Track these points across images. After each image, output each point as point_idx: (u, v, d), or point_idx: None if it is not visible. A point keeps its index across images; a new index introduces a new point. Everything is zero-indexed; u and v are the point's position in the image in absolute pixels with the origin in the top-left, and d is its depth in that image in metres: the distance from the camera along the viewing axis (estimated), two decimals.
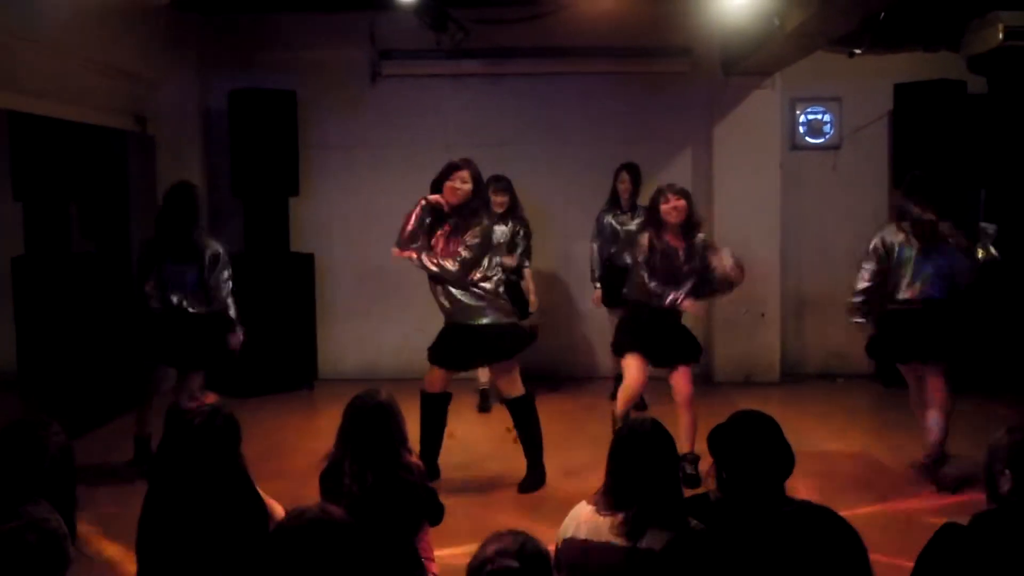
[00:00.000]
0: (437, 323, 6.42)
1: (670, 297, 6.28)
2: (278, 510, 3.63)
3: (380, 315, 9.89)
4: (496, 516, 5.75)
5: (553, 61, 9.67)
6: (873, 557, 2.50)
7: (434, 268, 6.11)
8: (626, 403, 6.43)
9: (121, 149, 8.77)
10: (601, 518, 3.28)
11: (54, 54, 7.19)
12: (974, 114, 9.08)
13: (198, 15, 9.41)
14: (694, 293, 6.36)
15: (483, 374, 8.26)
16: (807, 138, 9.88)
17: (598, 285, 8.53)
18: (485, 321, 6.15)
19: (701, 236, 6.42)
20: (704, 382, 9.31)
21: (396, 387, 4.40)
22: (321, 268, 9.81)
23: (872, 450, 7.23)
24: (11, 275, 8.64)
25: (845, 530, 2.46)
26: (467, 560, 2.60)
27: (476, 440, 7.47)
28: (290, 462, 6.64)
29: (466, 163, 6.19)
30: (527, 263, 8.36)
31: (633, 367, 6.42)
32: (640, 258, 6.34)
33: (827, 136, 9.87)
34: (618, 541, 3.21)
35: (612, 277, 8.17)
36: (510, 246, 8.19)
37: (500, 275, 6.37)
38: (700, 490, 3.51)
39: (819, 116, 9.86)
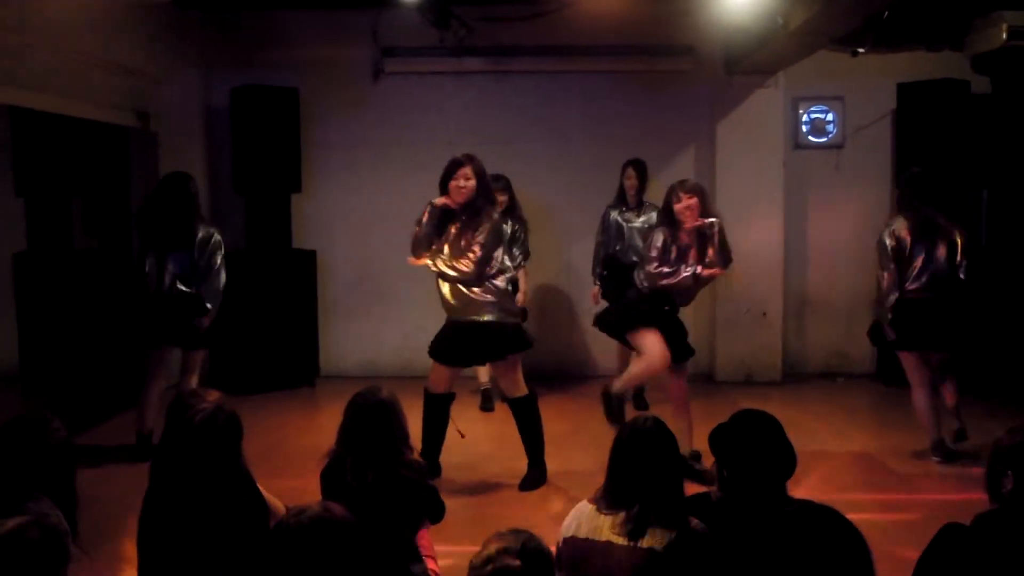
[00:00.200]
0: (438, 321, 6.42)
1: (686, 272, 6.23)
2: (279, 507, 3.63)
3: (382, 312, 9.89)
4: (497, 514, 5.75)
5: (556, 59, 9.67)
6: (875, 556, 2.49)
7: (452, 273, 6.11)
8: (640, 380, 6.34)
9: (123, 146, 8.79)
10: (602, 517, 3.28)
11: (57, 50, 7.19)
12: (977, 114, 9.06)
13: (201, 12, 9.40)
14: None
15: (483, 374, 8.26)
16: (810, 137, 9.86)
17: (598, 281, 8.50)
18: (488, 318, 6.14)
19: (711, 221, 6.31)
20: (705, 381, 9.32)
21: (397, 384, 4.40)
22: (323, 265, 9.81)
23: (873, 449, 7.22)
24: (13, 271, 8.68)
25: (847, 529, 2.46)
26: (468, 558, 2.60)
27: (478, 439, 7.46)
28: (291, 459, 6.63)
29: (468, 159, 6.18)
30: (524, 262, 8.33)
31: (656, 341, 6.31)
32: (653, 253, 6.28)
33: (830, 135, 9.86)
34: (619, 540, 3.20)
35: (615, 274, 8.14)
36: (508, 245, 8.18)
37: (512, 272, 6.37)
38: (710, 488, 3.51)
39: (822, 115, 9.84)
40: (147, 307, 6.91)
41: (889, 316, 6.75)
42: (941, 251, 6.66)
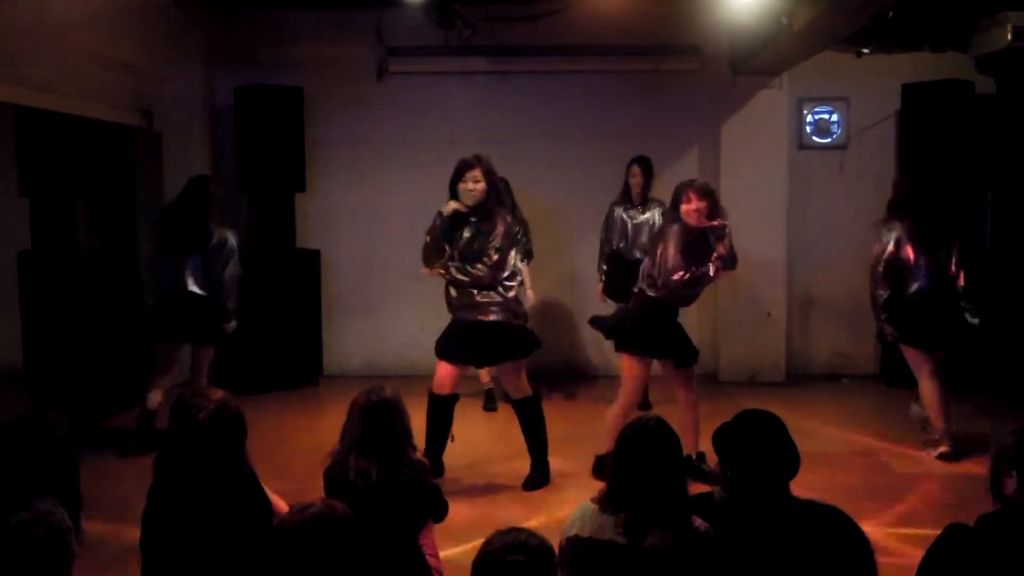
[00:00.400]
0: (441, 320, 6.42)
1: (710, 273, 6.17)
2: (282, 506, 3.63)
3: (385, 312, 9.90)
4: (500, 513, 5.75)
5: (560, 59, 9.66)
6: (878, 556, 2.49)
7: (466, 279, 6.10)
8: (622, 421, 6.17)
9: (127, 145, 8.79)
10: (606, 516, 3.28)
11: (61, 49, 7.19)
12: (982, 115, 9.05)
13: (205, 11, 9.41)
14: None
15: (485, 374, 8.24)
16: (814, 138, 9.86)
17: (603, 278, 8.48)
18: (494, 318, 6.13)
19: (719, 223, 6.23)
20: (709, 382, 9.30)
21: (401, 384, 4.41)
22: (327, 264, 9.82)
23: (876, 450, 7.21)
24: (17, 270, 8.67)
25: (851, 529, 2.45)
26: (471, 557, 2.60)
27: (480, 439, 7.47)
28: (294, 458, 6.64)
29: (477, 160, 6.15)
30: (527, 262, 8.28)
31: (635, 374, 6.33)
32: (675, 259, 6.09)
33: (834, 136, 9.85)
34: (622, 539, 3.20)
35: (620, 271, 8.12)
36: None
37: (521, 276, 6.35)
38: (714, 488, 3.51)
39: (826, 116, 9.84)
40: (160, 305, 7.20)
41: (884, 315, 6.89)
42: (940, 256, 6.82)
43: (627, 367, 6.38)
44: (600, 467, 6.26)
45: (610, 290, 8.27)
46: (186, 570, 3.36)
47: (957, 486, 6.29)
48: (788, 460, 3.31)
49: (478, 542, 2.63)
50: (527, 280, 8.27)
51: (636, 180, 8.34)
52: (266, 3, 9.49)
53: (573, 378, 9.52)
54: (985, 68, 8.92)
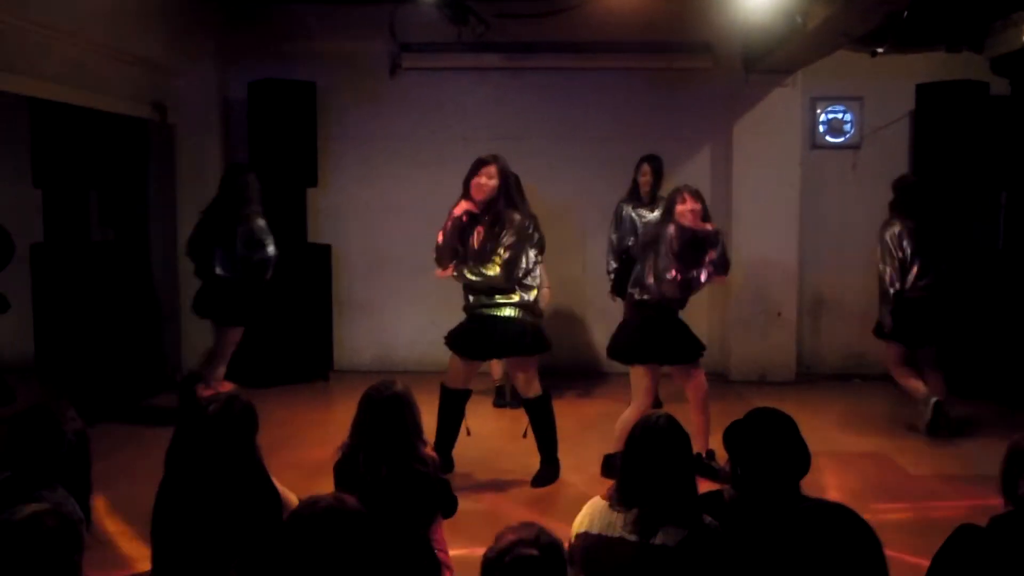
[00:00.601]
0: (452, 315, 6.42)
1: (701, 278, 6.15)
2: (292, 500, 3.64)
3: (396, 307, 9.91)
4: (509, 510, 5.76)
5: (573, 56, 9.66)
6: (888, 555, 2.48)
7: (479, 279, 6.09)
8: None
9: (141, 138, 8.81)
10: (615, 513, 3.28)
11: (75, 42, 7.22)
12: (996, 115, 9.01)
13: (219, 5, 9.42)
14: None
15: (497, 370, 8.24)
16: (827, 137, 9.84)
17: (611, 277, 8.43)
18: (508, 313, 6.12)
19: (713, 228, 6.23)
20: (719, 381, 9.29)
21: (411, 379, 4.41)
22: (338, 259, 9.84)
23: (887, 450, 7.19)
24: (30, 261, 8.70)
25: (860, 527, 2.45)
26: (480, 553, 2.60)
27: (491, 435, 7.47)
28: (305, 452, 6.66)
29: (493, 158, 6.14)
30: (540, 257, 8.22)
31: (644, 385, 6.30)
32: (669, 257, 6.09)
33: (847, 135, 9.83)
34: (632, 537, 3.20)
35: (629, 269, 8.08)
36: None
37: (538, 274, 6.32)
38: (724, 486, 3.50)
39: (839, 115, 9.81)
40: (199, 288, 7.70)
41: (891, 306, 7.30)
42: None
43: (635, 375, 6.36)
44: (609, 466, 6.26)
45: (619, 289, 8.22)
46: (196, 562, 3.37)
47: (968, 487, 6.27)
48: (798, 459, 3.30)
49: (488, 538, 2.63)
50: (544, 278, 8.25)
51: (646, 179, 8.32)
52: None
53: (583, 375, 9.52)
54: (1000, 69, 8.88)
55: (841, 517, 2.48)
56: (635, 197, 8.41)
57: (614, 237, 8.44)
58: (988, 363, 8.58)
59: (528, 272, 6.17)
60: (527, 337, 6.17)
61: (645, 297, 6.24)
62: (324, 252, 9.68)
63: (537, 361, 6.40)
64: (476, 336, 6.21)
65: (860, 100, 9.76)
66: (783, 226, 9.50)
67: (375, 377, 4.23)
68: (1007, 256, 8.97)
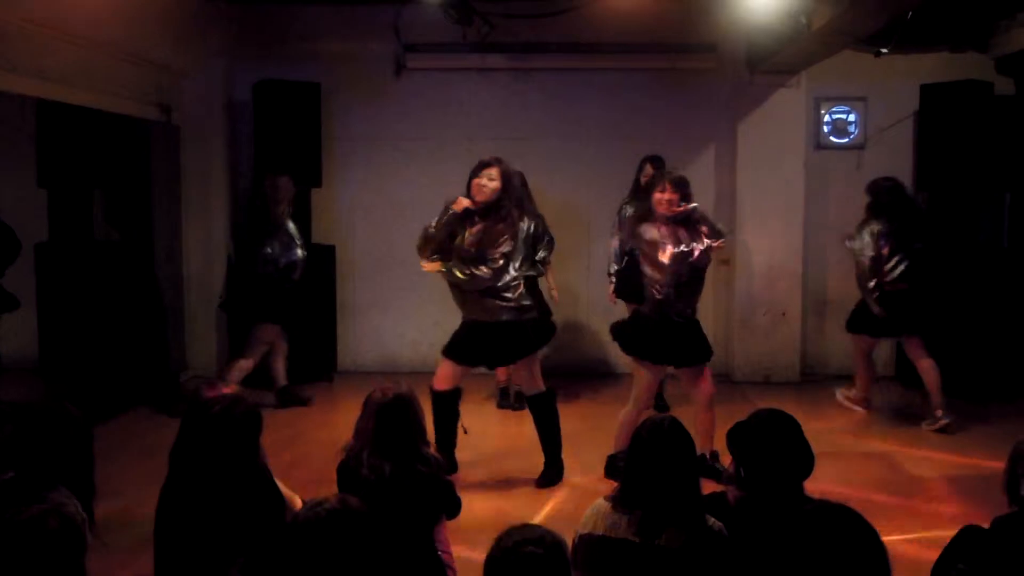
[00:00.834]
0: (456, 316, 6.41)
1: (699, 248, 6.06)
2: (296, 501, 3.64)
3: (400, 308, 9.90)
4: (513, 510, 5.74)
5: (578, 56, 9.66)
6: (892, 556, 2.48)
7: (467, 279, 6.07)
8: (632, 425, 6.05)
9: (145, 138, 8.81)
10: (619, 515, 3.28)
11: (80, 42, 7.22)
12: (1001, 116, 8.98)
13: (224, 6, 9.42)
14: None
15: (501, 372, 8.23)
16: (831, 137, 9.82)
17: (613, 280, 8.37)
18: (505, 318, 6.11)
19: (693, 205, 6.17)
20: (723, 381, 9.26)
21: (415, 380, 4.42)
22: (342, 260, 9.83)
23: (891, 452, 7.18)
24: (34, 261, 8.70)
25: (864, 529, 2.45)
26: (484, 553, 2.60)
27: (494, 436, 7.47)
28: (308, 453, 6.67)
29: (496, 160, 6.14)
30: (548, 257, 8.19)
31: (646, 381, 6.28)
32: (654, 244, 6.06)
33: (852, 136, 9.81)
34: (635, 538, 3.20)
35: (631, 271, 8.05)
36: (532, 244, 8.09)
37: (529, 274, 6.32)
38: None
39: (844, 115, 9.80)
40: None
41: (876, 294, 7.62)
42: (912, 252, 7.68)
43: (638, 373, 6.36)
44: (612, 467, 6.25)
45: (621, 291, 8.15)
46: (198, 563, 3.37)
47: (972, 488, 6.25)
48: (802, 460, 3.30)
49: (491, 539, 2.63)
50: (551, 281, 8.25)
51: (648, 179, 8.26)
52: None
53: (588, 375, 9.51)
54: (1004, 69, 8.88)
55: (844, 519, 2.47)
56: (637, 197, 8.37)
57: (616, 239, 8.37)
58: (993, 362, 8.57)
59: (517, 278, 6.16)
60: (525, 338, 6.18)
61: (657, 296, 6.16)
62: (328, 253, 9.67)
63: (538, 358, 6.39)
64: (476, 346, 6.21)
65: (864, 100, 9.74)
66: (787, 226, 9.49)
67: (379, 378, 4.24)
68: (1012, 256, 8.96)
